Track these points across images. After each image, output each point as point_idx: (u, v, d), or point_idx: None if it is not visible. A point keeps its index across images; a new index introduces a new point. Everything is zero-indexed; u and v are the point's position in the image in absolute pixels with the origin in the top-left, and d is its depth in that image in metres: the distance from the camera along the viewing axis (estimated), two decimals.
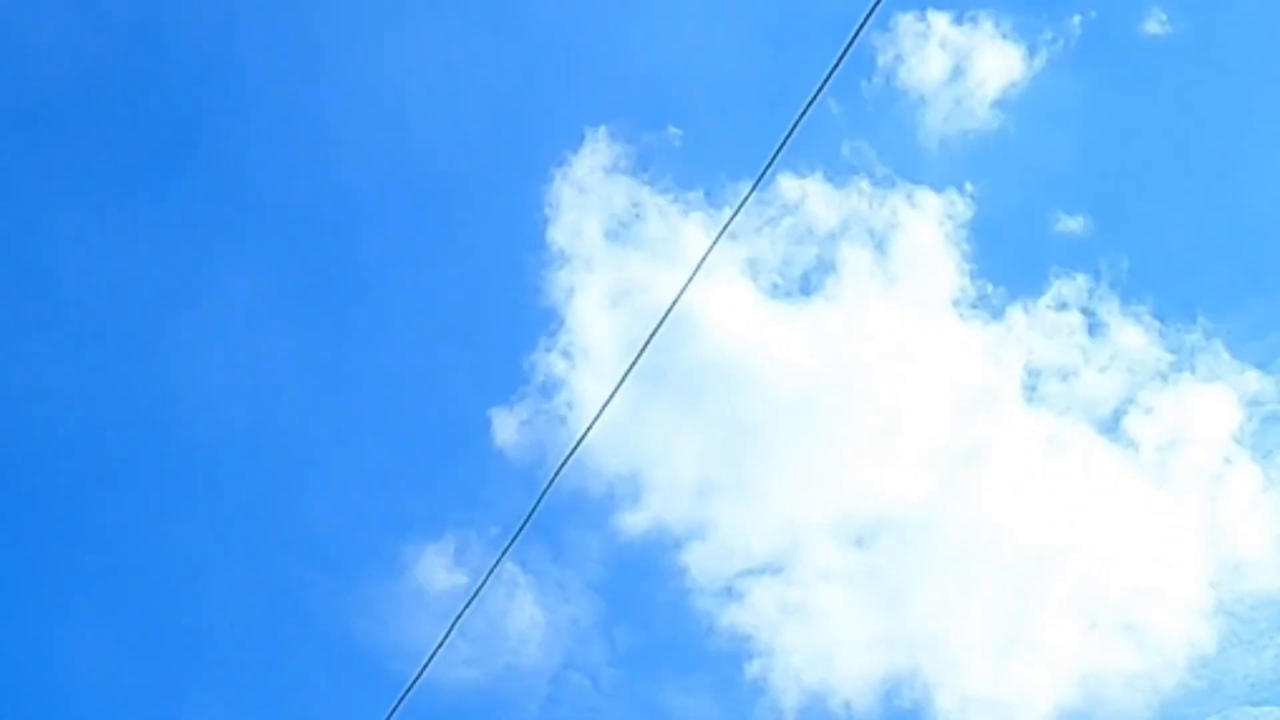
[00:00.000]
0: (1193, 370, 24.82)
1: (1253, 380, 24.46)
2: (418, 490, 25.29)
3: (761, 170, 8.49)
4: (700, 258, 9.61)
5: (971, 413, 25.58)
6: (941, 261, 25.62)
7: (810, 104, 8.92)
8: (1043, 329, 25.29)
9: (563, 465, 9.34)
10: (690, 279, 9.51)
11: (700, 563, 24.94)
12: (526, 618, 24.00)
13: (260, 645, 24.05)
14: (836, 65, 7.95)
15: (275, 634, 24.16)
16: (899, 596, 25.08)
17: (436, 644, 11.69)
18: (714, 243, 9.39)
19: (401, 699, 11.91)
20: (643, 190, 26.00)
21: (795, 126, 8.76)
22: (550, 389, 25.40)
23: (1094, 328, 25.06)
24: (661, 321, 8.95)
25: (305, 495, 24.97)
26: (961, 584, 24.90)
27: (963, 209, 25.21)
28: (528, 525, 11.30)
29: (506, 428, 25.12)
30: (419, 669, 11.85)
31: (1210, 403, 24.79)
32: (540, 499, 10.49)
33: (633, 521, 25.07)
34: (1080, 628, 24.45)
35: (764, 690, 24.10)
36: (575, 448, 8.93)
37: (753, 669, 24.30)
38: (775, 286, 26.19)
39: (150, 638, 23.83)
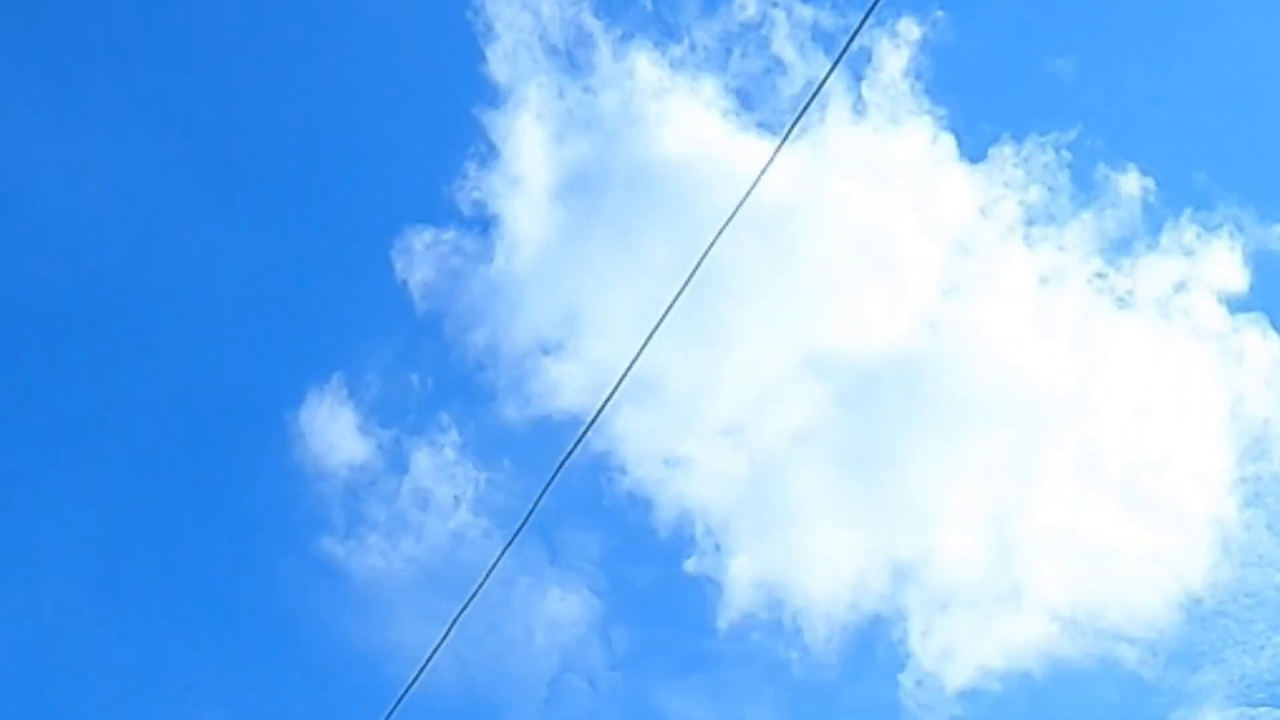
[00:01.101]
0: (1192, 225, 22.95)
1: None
2: (314, 327, 24.12)
3: (763, 167, 8.38)
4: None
5: (961, 251, 23.43)
6: (922, 94, 23.51)
7: (811, 100, 8.83)
8: (1032, 171, 23.25)
9: (569, 454, 9.21)
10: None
11: (643, 428, 22.75)
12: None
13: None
14: (839, 60, 7.85)
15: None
16: (880, 462, 22.84)
17: (434, 646, 11.57)
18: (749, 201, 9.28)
19: (399, 701, 11.78)
20: (584, 13, 23.87)
21: (797, 121, 8.66)
22: (477, 222, 23.50)
23: (1083, 173, 23.27)
24: (694, 271, 8.83)
25: (192, 331, 24.00)
26: (953, 447, 22.60)
27: (948, 38, 23.53)
28: (525, 527, 11.19)
29: (418, 260, 23.42)
30: (415, 671, 11.73)
31: (1216, 259, 22.82)
32: (540, 497, 10.37)
33: (560, 376, 23.14)
34: (1089, 499, 22.42)
35: (713, 586, 22.45)
36: (592, 422, 8.78)
37: (702, 561, 22.62)
38: (743, 107, 23.69)
39: None
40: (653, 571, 23.06)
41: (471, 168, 23.86)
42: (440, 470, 23.29)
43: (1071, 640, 21.85)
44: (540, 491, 10.60)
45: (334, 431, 23.21)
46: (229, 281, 24.17)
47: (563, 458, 10.06)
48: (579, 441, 10.98)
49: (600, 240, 23.89)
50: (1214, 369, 22.90)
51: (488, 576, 10.62)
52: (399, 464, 23.46)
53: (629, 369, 9.11)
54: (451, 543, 23.04)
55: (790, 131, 9.05)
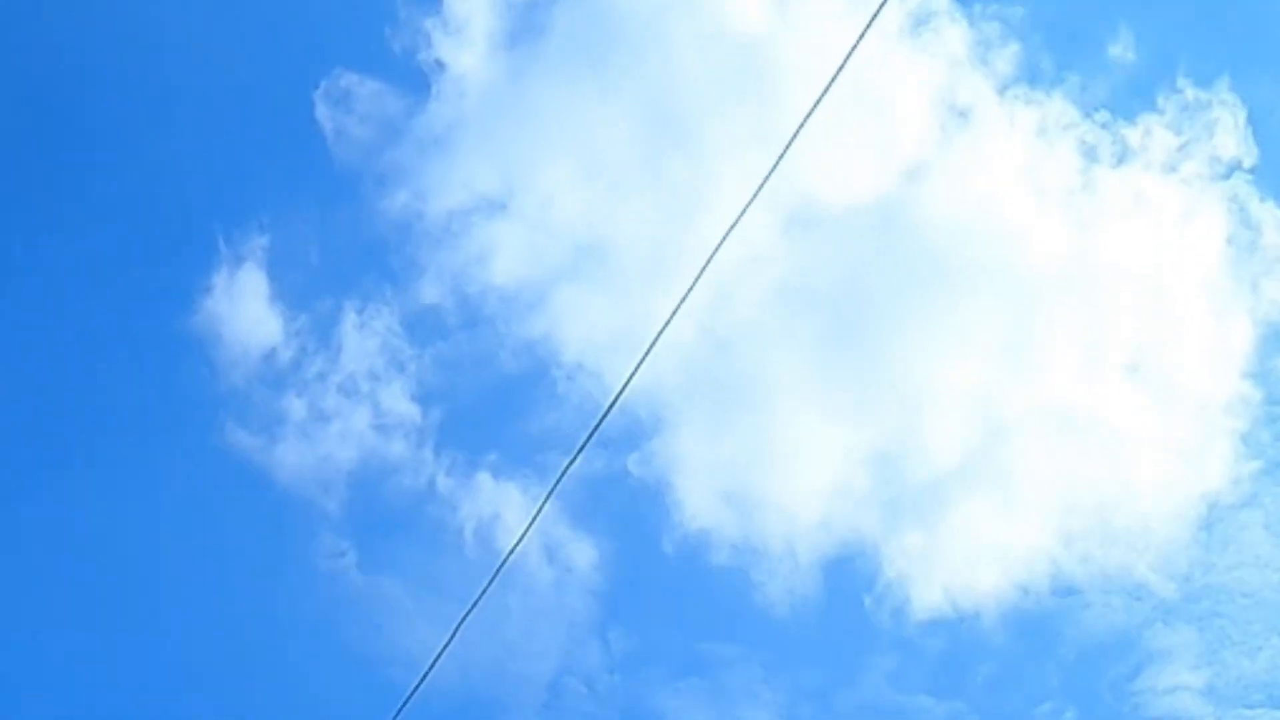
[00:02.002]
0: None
1: None
2: (223, 180, 22.18)
3: (766, 174, 8.47)
4: None
5: (951, 109, 21.63)
6: None
7: (812, 109, 8.91)
8: (1028, 21, 21.57)
9: (573, 460, 9.28)
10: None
11: (592, 307, 20.90)
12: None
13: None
14: (840, 70, 7.94)
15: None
16: (862, 335, 20.78)
17: (438, 652, 11.64)
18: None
19: (403, 705, 11.85)
20: None
21: (799, 130, 8.74)
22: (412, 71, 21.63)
23: (1083, 26, 22.05)
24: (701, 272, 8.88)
25: (83, 182, 22.25)
26: (941, 319, 20.63)
27: None
28: (529, 532, 11.25)
29: (344, 109, 21.62)
30: (419, 677, 11.79)
31: (1226, 126, 21.46)
32: (545, 502, 10.44)
33: (494, 239, 21.30)
34: (1092, 380, 20.96)
35: (666, 490, 20.61)
36: (596, 426, 8.85)
37: (651, 461, 20.75)
38: None
39: None
40: (596, 471, 21.27)
41: (407, 9, 22.34)
42: (363, 351, 21.65)
43: (1070, 549, 20.45)
44: (544, 498, 10.67)
45: (244, 304, 21.56)
46: (125, 110, 22.56)
47: (566, 463, 10.13)
48: (582, 448, 11.04)
49: (547, 91, 21.80)
50: (1228, 245, 21.48)
51: (493, 580, 10.69)
52: (318, 342, 21.91)
53: (652, 345, 9.11)
54: (376, 435, 21.38)
55: (787, 148, 9.13)
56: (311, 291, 21.80)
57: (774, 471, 21.05)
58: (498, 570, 11.52)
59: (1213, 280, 21.36)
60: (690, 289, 8.17)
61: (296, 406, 21.50)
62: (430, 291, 21.69)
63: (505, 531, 21.04)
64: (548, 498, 9.33)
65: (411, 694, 11.76)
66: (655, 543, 21.22)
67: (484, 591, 10.11)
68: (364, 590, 21.31)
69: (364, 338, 21.59)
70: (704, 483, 20.80)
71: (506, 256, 21.43)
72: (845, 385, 21.01)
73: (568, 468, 9.24)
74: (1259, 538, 21.43)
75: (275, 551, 21.83)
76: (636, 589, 21.71)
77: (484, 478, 21.16)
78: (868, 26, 8.96)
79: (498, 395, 21.71)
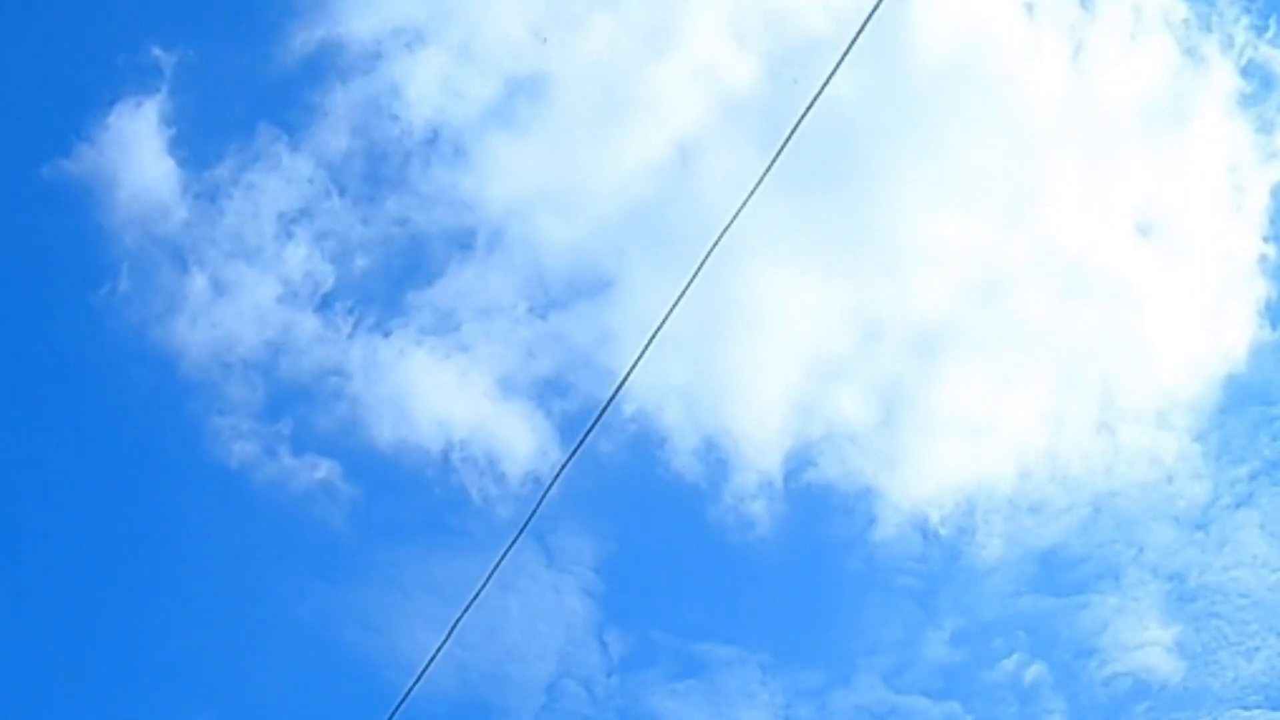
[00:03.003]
0: None
1: None
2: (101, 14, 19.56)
3: (764, 170, 8.34)
4: None
5: None
6: None
7: (812, 102, 8.80)
8: None
9: (568, 461, 9.15)
10: None
11: (524, 156, 18.49)
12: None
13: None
14: (845, 55, 7.82)
15: None
16: (834, 171, 18.47)
17: (432, 653, 11.51)
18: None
19: (397, 707, 11.72)
20: None
21: (800, 121, 8.63)
22: None
23: None
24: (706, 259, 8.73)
25: None
26: (933, 162, 18.57)
27: None
28: (523, 534, 11.13)
29: None
30: (414, 679, 11.67)
31: None
32: (539, 503, 10.31)
33: (422, 77, 18.92)
34: (1098, 235, 19.11)
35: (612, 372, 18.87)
36: (590, 429, 8.70)
37: (594, 315, 19.02)
38: None
39: None
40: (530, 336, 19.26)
41: None
42: (270, 206, 19.46)
43: (1081, 427, 18.52)
44: (539, 498, 10.54)
45: (133, 152, 19.28)
46: None
47: (561, 464, 9.99)
48: (576, 448, 10.92)
49: None
50: (1244, 98, 19.91)
51: (487, 581, 10.56)
52: (218, 198, 19.83)
53: (656, 334, 8.96)
54: (281, 306, 19.44)
55: (787, 142, 9.00)
56: (213, 135, 19.74)
57: (741, 338, 18.80)
58: (492, 571, 11.40)
59: (1226, 135, 19.68)
60: (696, 272, 7.99)
61: (194, 273, 19.60)
62: (348, 130, 19.60)
63: (424, 409, 19.32)
64: (547, 492, 9.20)
65: (406, 695, 11.63)
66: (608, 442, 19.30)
67: (479, 590, 9.98)
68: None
69: (269, 190, 19.54)
70: (660, 367, 18.57)
71: (430, 89, 19.34)
72: (824, 238, 19.03)
73: (567, 463, 9.11)
74: (1255, 538, 21.30)
75: (173, 441, 19.94)
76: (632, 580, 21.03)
77: (400, 349, 19.43)
78: (858, 33, 8.86)
79: (415, 258, 19.92)
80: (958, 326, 18.82)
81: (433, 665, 11.55)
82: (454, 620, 10.90)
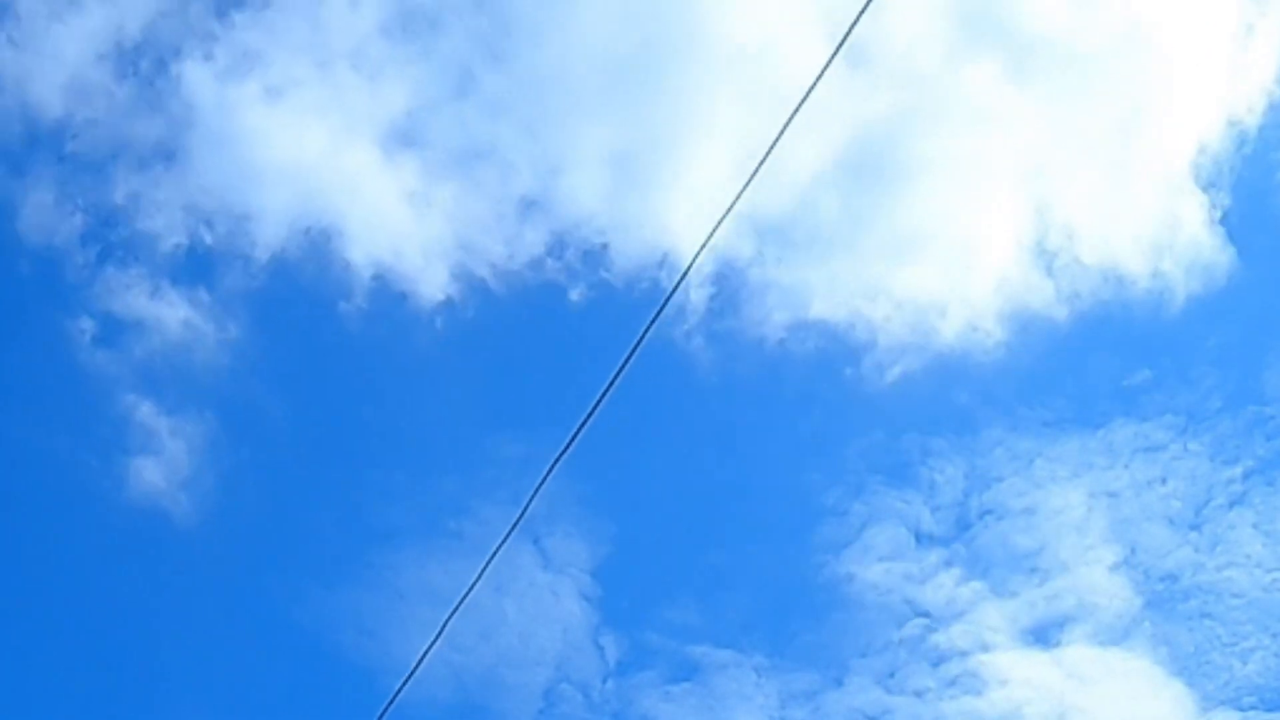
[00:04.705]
0: None
1: None
2: None
3: (763, 156, 8.27)
4: None
5: None
6: None
7: (811, 89, 8.73)
8: None
9: (556, 461, 9.05)
10: None
11: None
12: None
13: None
14: (841, 45, 7.75)
15: None
16: None
17: (422, 652, 11.41)
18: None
19: (386, 707, 11.62)
20: None
21: (796, 112, 8.56)
22: None
23: None
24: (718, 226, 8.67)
25: None
26: None
27: None
28: (514, 531, 11.03)
29: None
30: (404, 679, 11.57)
31: None
32: (530, 500, 10.21)
33: None
34: None
35: None
36: (585, 421, 8.61)
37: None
38: None
39: None
40: None
41: None
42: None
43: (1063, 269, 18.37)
44: (530, 494, 10.44)
45: None
46: None
47: (558, 453, 9.88)
48: (567, 446, 10.81)
49: None
50: None
51: (478, 579, 10.46)
52: None
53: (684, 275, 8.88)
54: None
55: (782, 134, 8.93)
56: None
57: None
58: (482, 571, 11.31)
59: None
60: (685, 272, 7.93)
61: None
62: None
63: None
64: (538, 489, 9.12)
65: (395, 695, 11.53)
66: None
67: (471, 588, 9.89)
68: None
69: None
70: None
71: None
72: None
73: (558, 460, 9.02)
74: (1248, 537, 21.26)
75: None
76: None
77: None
78: (849, 32, 8.80)
79: None
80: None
81: (429, 669, 11.47)
82: (443, 620, 10.82)
